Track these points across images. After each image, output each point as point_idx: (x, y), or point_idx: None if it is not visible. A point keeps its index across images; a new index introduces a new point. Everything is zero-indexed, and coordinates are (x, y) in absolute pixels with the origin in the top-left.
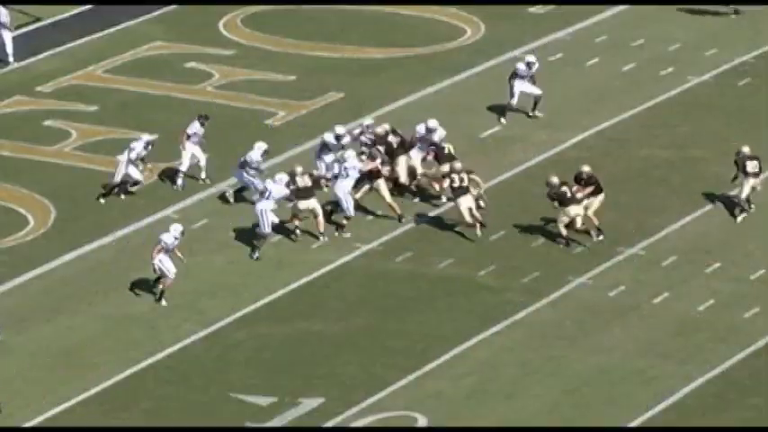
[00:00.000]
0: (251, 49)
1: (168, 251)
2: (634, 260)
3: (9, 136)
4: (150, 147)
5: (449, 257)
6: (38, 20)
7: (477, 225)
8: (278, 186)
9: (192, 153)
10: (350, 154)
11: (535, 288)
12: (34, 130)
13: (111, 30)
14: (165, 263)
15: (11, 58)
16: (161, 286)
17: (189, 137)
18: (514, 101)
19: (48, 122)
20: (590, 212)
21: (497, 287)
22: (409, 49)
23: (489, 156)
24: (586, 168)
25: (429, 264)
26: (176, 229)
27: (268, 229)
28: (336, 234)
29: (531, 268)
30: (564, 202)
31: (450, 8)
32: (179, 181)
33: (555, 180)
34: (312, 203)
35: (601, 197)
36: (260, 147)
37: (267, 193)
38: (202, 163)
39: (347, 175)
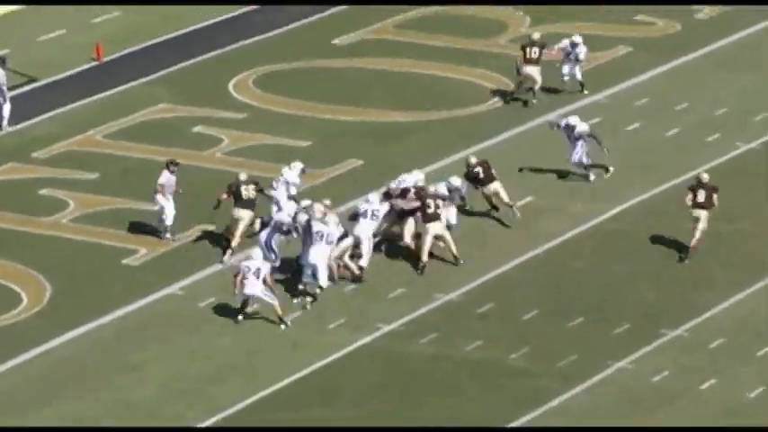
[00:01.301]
0: (263, 112)
1: (253, 276)
2: (678, 342)
3: (2, 206)
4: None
5: (477, 339)
6: (33, 80)
7: (424, 258)
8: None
9: (168, 205)
10: (375, 196)
11: (571, 373)
12: (29, 199)
13: (112, 91)
14: (256, 290)
15: (4, 122)
16: (279, 311)
17: (163, 188)
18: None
19: (43, 191)
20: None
21: (530, 371)
22: (434, 112)
23: (520, 227)
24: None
25: (455, 346)
26: (258, 254)
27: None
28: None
29: (566, 351)
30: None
31: (478, 69)
32: (167, 235)
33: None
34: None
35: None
36: (296, 166)
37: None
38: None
39: (372, 217)
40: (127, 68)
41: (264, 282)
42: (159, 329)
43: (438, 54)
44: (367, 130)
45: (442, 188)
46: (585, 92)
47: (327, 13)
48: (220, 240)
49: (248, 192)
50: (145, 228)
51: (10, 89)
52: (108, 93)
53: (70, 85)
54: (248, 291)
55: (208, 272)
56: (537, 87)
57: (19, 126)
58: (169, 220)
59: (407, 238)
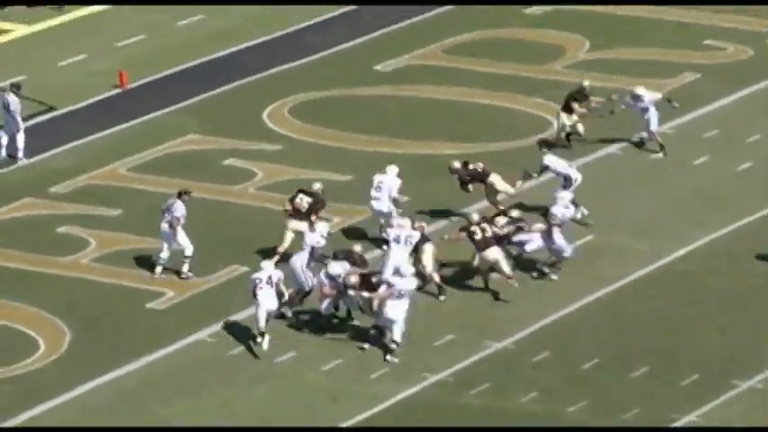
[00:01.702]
0: (300, 144)
1: (267, 286)
2: (749, 395)
3: (18, 245)
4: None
5: (532, 390)
6: (51, 109)
7: (510, 279)
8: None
9: (182, 238)
10: (407, 220)
11: (635, 427)
12: (46, 237)
13: (137, 121)
14: (272, 303)
15: (21, 154)
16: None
17: (179, 220)
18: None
19: (62, 229)
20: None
21: (590, 425)
22: (485, 144)
23: (580, 268)
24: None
25: (508, 397)
26: (268, 264)
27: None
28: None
29: (629, 403)
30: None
31: (532, 98)
32: (188, 271)
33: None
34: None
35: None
36: (393, 169)
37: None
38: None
39: (407, 243)
40: (153, 96)
41: (277, 289)
42: (187, 379)
43: (489, 81)
44: (412, 163)
45: (476, 217)
46: (662, 155)
47: (370, 36)
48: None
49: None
50: (172, 269)
51: (26, 118)
52: (132, 122)
53: (91, 115)
54: (265, 306)
55: (239, 317)
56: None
57: (36, 158)
58: (190, 251)
59: (429, 269)
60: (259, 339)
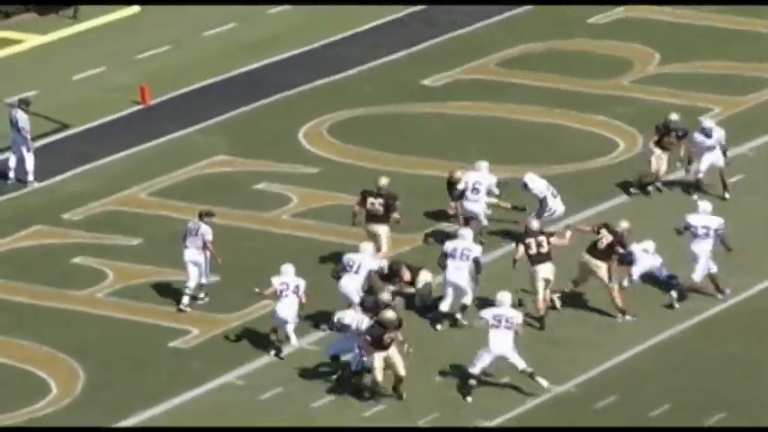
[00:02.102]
0: (340, 167)
1: (293, 294)
2: None
3: (27, 277)
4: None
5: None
6: (65, 127)
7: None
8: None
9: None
10: (468, 231)
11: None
12: (59, 269)
13: (160, 141)
14: (290, 313)
15: (31, 176)
16: (294, 341)
17: (212, 244)
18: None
19: (77, 260)
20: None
21: None
22: (544, 166)
23: (650, 304)
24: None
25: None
26: (289, 269)
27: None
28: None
29: None
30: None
31: (597, 116)
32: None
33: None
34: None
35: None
36: (485, 165)
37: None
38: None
39: (462, 257)
40: (177, 113)
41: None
42: (214, 426)
43: (549, 97)
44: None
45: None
46: (727, 196)
47: (416, 48)
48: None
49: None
50: (198, 304)
51: (37, 137)
52: (154, 142)
53: (109, 134)
54: (282, 313)
55: (271, 358)
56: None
57: (48, 182)
58: (207, 278)
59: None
60: (273, 352)
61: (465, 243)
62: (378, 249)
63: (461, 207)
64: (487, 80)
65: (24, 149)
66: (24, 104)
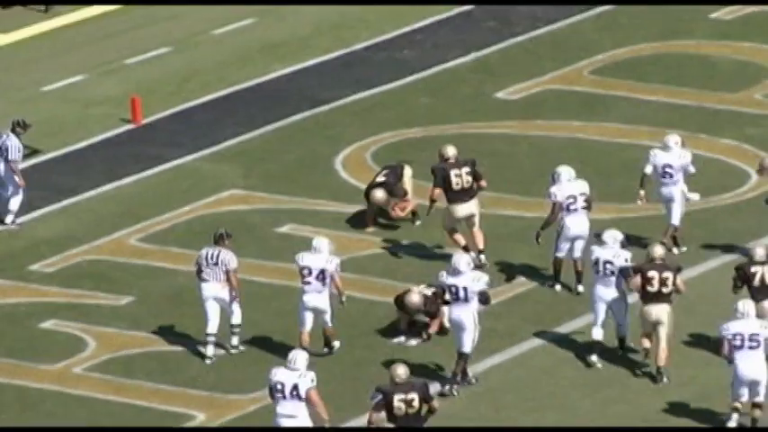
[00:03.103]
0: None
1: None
2: None
3: None
4: None
5: None
6: (34, 152)
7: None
8: None
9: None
10: (612, 235)
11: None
12: (26, 336)
13: (155, 170)
14: (321, 301)
15: (11, 217)
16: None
17: (236, 272)
18: None
19: (47, 324)
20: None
21: None
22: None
23: None
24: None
25: None
26: (322, 243)
27: None
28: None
29: None
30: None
31: (722, 139)
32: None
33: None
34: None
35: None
36: (675, 140)
37: None
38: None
39: (606, 271)
40: (178, 135)
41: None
42: None
43: (659, 115)
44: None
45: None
46: None
47: (488, 51)
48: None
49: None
50: (203, 381)
51: None
52: (148, 172)
53: (90, 161)
54: (312, 302)
55: None
56: None
57: (13, 223)
58: (239, 319)
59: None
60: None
61: (614, 251)
62: (469, 247)
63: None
64: (580, 92)
65: (11, 186)
66: (21, 127)
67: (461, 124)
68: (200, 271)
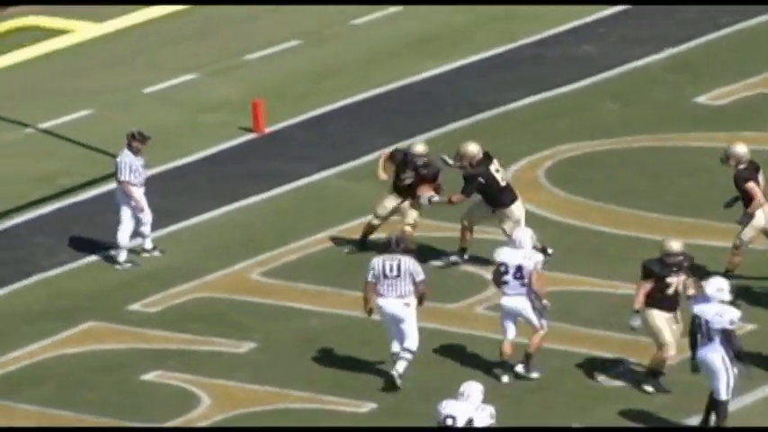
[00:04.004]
0: (566, 231)
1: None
2: None
3: (70, 402)
4: None
5: None
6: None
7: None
8: None
9: None
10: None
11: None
12: (127, 391)
13: (282, 189)
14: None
15: (149, 243)
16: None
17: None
18: None
19: (150, 376)
20: None
21: None
22: None
23: None
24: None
25: None
26: (523, 236)
27: None
28: None
29: None
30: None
31: None
32: None
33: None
34: None
35: None
36: None
37: None
38: None
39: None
40: (309, 146)
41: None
42: None
43: None
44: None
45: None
46: None
47: (685, 46)
48: None
49: None
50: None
51: (83, 185)
52: (274, 192)
53: (202, 178)
54: (510, 303)
55: None
56: None
57: (101, 254)
58: (413, 343)
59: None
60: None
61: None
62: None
63: None
64: None
65: (127, 208)
66: (137, 140)
67: (655, 135)
68: (374, 284)
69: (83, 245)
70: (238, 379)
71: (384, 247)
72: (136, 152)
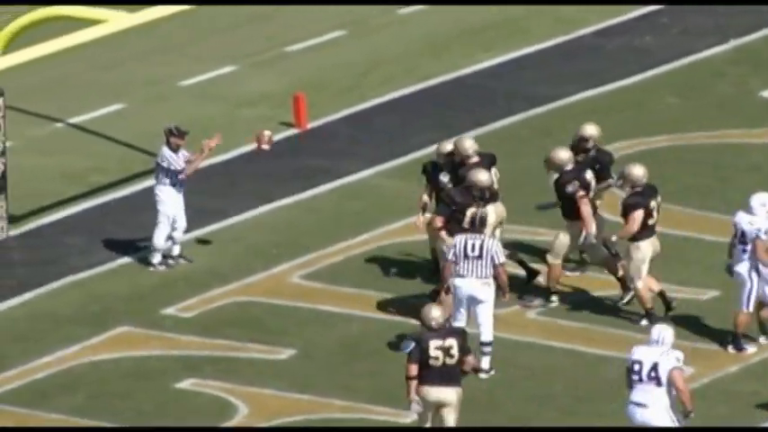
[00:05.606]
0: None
1: None
2: None
3: (103, 412)
4: None
5: None
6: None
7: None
8: None
9: None
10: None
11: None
12: (160, 399)
13: (324, 187)
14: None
15: (177, 249)
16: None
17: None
18: None
19: (186, 384)
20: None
21: None
22: None
23: None
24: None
25: None
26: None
27: None
28: None
29: None
30: None
31: None
32: None
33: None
34: None
35: None
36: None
37: None
38: None
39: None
40: (354, 143)
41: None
42: None
43: None
44: None
45: None
46: None
47: (751, 37)
48: None
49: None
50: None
51: (118, 183)
52: (315, 191)
53: (241, 175)
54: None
55: None
56: None
57: (132, 256)
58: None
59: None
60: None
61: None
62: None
63: None
64: None
65: (165, 209)
66: (176, 136)
67: (718, 131)
68: (456, 263)
69: (116, 246)
70: (277, 387)
71: (468, 227)
72: (175, 149)
